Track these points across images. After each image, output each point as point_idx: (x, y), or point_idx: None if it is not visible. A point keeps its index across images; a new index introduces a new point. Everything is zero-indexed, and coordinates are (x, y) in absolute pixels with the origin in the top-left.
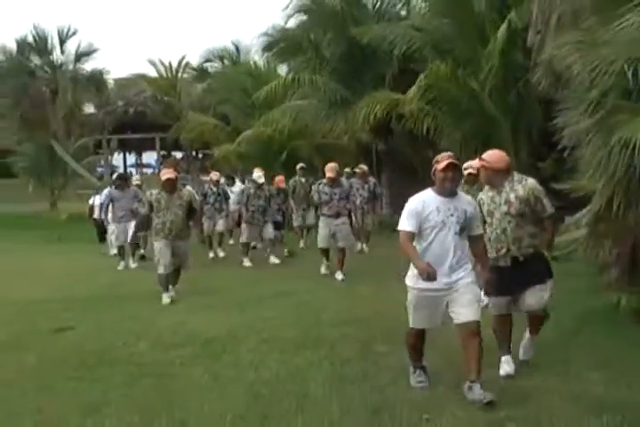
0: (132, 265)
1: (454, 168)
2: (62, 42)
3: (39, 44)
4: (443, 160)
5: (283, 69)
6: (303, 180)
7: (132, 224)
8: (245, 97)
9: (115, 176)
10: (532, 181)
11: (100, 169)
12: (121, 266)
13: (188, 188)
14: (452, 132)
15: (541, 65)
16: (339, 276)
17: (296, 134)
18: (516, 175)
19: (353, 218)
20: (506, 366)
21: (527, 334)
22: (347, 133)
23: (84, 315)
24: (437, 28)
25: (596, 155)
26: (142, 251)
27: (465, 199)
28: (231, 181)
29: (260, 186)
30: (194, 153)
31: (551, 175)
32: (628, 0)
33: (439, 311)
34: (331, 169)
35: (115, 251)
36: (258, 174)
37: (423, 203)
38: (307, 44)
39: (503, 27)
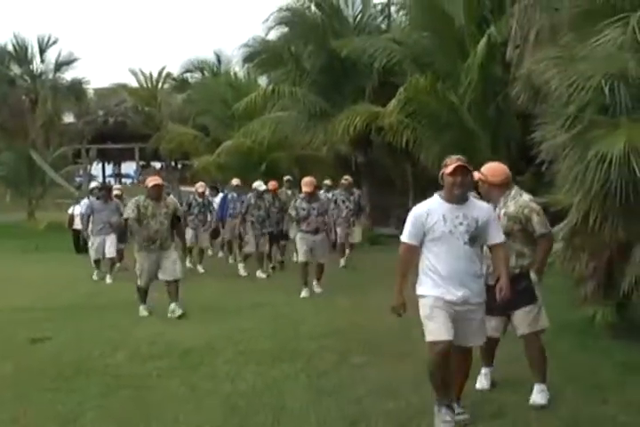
0: (109, 280)
1: (464, 172)
2: (42, 51)
3: (19, 53)
4: (451, 163)
5: (263, 81)
6: (289, 192)
7: (111, 237)
8: (225, 108)
9: (92, 186)
10: (524, 199)
11: (78, 179)
12: (96, 276)
13: (172, 197)
14: (431, 145)
15: (520, 79)
16: (316, 289)
17: (275, 146)
18: (515, 191)
19: (337, 232)
20: (483, 380)
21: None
22: (326, 145)
23: (61, 325)
24: (417, 42)
25: (572, 169)
26: (118, 264)
27: (477, 205)
28: (215, 192)
29: (260, 195)
30: (173, 163)
31: (529, 189)
32: (605, 16)
33: (450, 323)
34: (307, 183)
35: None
36: (258, 182)
37: (428, 211)
38: (287, 56)
39: (483, 41)
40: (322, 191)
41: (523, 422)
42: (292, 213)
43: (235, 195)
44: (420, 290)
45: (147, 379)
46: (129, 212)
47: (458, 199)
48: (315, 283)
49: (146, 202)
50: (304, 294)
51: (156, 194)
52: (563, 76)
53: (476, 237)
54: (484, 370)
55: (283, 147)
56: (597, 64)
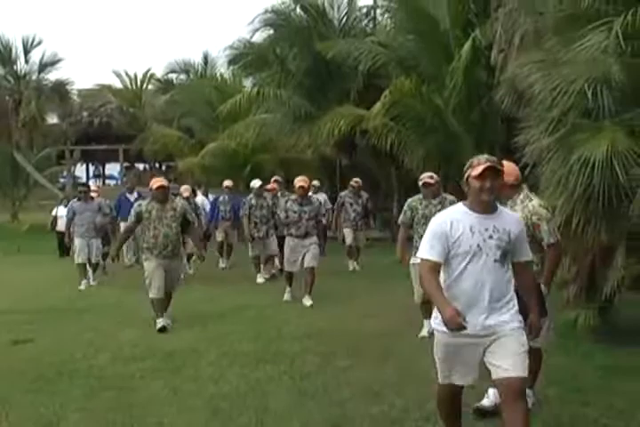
0: (93, 283)
1: (494, 174)
2: (27, 52)
3: (3, 54)
4: (479, 164)
5: (248, 83)
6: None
7: (97, 241)
8: (210, 110)
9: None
10: (533, 204)
11: (62, 180)
12: (83, 285)
13: (180, 199)
14: (416, 148)
15: (504, 83)
16: (307, 301)
17: (260, 148)
18: (523, 194)
19: (345, 235)
20: (492, 398)
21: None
22: (310, 148)
23: (43, 327)
24: (402, 45)
25: (556, 173)
26: (105, 268)
27: (508, 215)
28: (192, 194)
29: (260, 194)
30: (157, 165)
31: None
32: (590, 21)
33: (474, 362)
34: (302, 180)
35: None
36: (255, 181)
37: (451, 222)
38: (272, 59)
39: (467, 44)
40: (310, 193)
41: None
42: (282, 215)
43: (226, 197)
44: (435, 322)
45: (130, 381)
46: (130, 217)
47: (487, 208)
48: (306, 296)
49: (150, 205)
50: (286, 297)
51: (162, 196)
52: (546, 80)
53: (507, 252)
54: (492, 390)
55: (267, 149)
56: (581, 68)
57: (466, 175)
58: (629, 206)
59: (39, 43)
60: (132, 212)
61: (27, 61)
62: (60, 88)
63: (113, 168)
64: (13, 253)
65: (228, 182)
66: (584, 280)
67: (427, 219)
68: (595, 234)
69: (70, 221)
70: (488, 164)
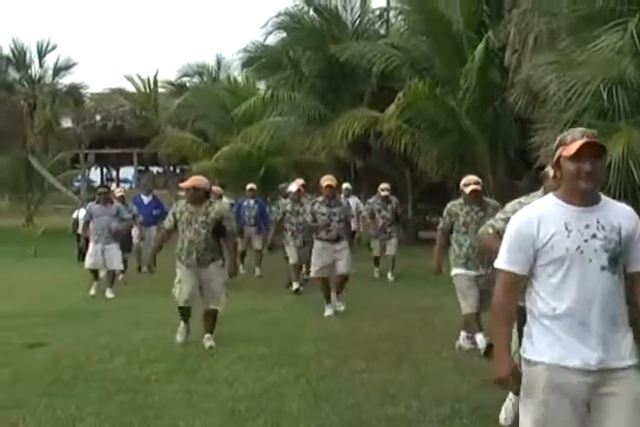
0: (110, 295)
1: (596, 153)
2: (41, 56)
3: (18, 59)
4: (573, 140)
5: (262, 86)
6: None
7: (113, 247)
8: (224, 113)
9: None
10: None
11: (77, 184)
12: (93, 290)
13: (225, 200)
14: (430, 150)
15: (518, 84)
16: (340, 307)
17: (274, 151)
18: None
19: (371, 244)
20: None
21: None
22: (324, 150)
23: (58, 330)
24: (416, 47)
25: None
26: (121, 276)
27: (616, 208)
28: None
29: (297, 199)
30: (171, 168)
31: (528, 194)
32: (604, 21)
33: (578, 416)
34: (329, 179)
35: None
36: (292, 185)
37: (538, 219)
38: (286, 61)
39: (481, 46)
40: (342, 196)
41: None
42: (308, 218)
43: (251, 201)
44: (527, 352)
45: (145, 384)
46: (165, 221)
47: (586, 198)
48: (334, 297)
49: (184, 207)
50: (328, 312)
51: (193, 197)
52: (561, 81)
53: (618, 256)
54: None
55: (281, 152)
56: (596, 69)
57: (556, 156)
58: None
59: (54, 47)
60: (169, 213)
61: (41, 66)
62: (75, 92)
63: (127, 172)
64: (29, 257)
65: (251, 185)
66: None
67: (468, 227)
68: None
69: (87, 223)
70: (585, 139)
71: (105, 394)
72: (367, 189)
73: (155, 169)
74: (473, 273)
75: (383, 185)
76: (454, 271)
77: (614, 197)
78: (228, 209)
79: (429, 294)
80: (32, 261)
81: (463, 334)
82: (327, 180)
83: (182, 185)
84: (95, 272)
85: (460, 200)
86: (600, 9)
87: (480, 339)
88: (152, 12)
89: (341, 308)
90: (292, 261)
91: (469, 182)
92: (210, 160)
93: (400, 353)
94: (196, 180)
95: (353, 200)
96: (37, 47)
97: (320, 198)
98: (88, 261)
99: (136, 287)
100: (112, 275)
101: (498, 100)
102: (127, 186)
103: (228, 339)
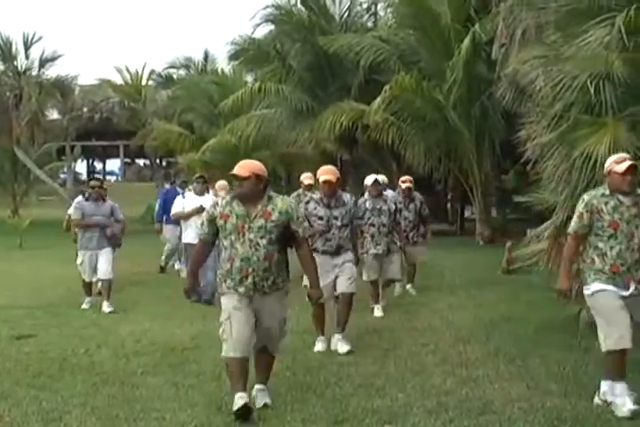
0: (106, 309)
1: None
2: (27, 48)
3: (3, 50)
4: (621, 161)
5: (249, 78)
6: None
7: (106, 252)
8: (211, 105)
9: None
10: None
11: (62, 176)
12: (86, 304)
13: (285, 197)
14: (417, 144)
15: (505, 78)
16: (341, 346)
17: (261, 143)
18: None
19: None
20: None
21: None
22: (311, 143)
23: (45, 322)
24: (404, 40)
25: (558, 168)
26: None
27: None
28: (185, 185)
29: (379, 195)
30: (158, 161)
31: (514, 188)
32: (592, 16)
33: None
34: (327, 171)
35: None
36: (370, 177)
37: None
38: (273, 54)
39: (467, 39)
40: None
41: (508, 419)
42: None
43: None
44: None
45: (132, 376)
46: (200, 228)
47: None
48: (336, 336)
49: (230, 207)
50: (319, 346)
51: (249, 193)
52: (548, 76)
53: None
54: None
55: (268, 145)
56: (583, 63)
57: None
58: None
59: (39, 39)
60: (203, 217)
61: (27, 57)
62: (61, 84)
63: (113, 164)
64: (15, 249)
65: (307, 179)
66: None
67: (616, 229)
68: None
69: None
70: (631, 162)
71: (91, 387)
72: (354, 182)
73: (141, 161)
74: (621, 293)
75: (404, 177)
76: (593, 287)
77: None
78: (296, 205)
79: (416, 287)
80: (18, 253)
81: (605, 386)
82: (325, 172)
83: (236, 172)
84: (89, 285)
85: (603, 190)
86: (588, 3)
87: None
88: (141, 3)
89: (344, 348)
90: (367, 276)
91: (622, 159)
92: (196, 153)
93: (386, 346)
94: (252, 165)
95: (390, 194)
96: (23, 39)
97: (315, 196)
98: (84, 273)
99: (122, 280)
100: (108, 285)
101: (485, 93)
102: (113, 178)
103: (215, 331)
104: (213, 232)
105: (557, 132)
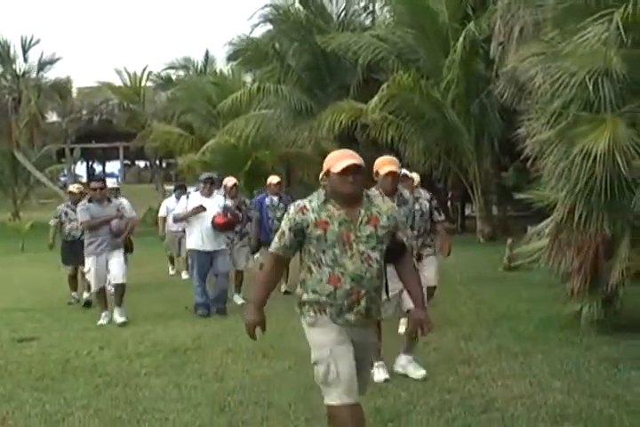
0: (119, 319)
1: None
2: (25, 51)
3: (1, 53)
4: None
5: (248, 78)
6: (275, 198)
7: (117, 254)
8: (210, 106)
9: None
10: None
11: (62, 178)
12: (103, 319)
13: (388, 199)
14: (416, 142)
15: (504, 76)
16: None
17: (260, 144)
18: None
19: None
20: None
21: None
22: (311, 143)
23: (47, 325)
24: (401, 39)
25: (558, 165)
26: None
27: None
28: (183, 191)
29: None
30: (158, 162)
31: (514, 185)
32: (590, 13)
33: None
34: (392, 162)
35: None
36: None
37: None
38: (272, 54)
39: (462, 37)
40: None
41: (511, 416)
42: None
43: (274, 199)
44: None
45: (134, 378)
46: (275, 239)
47: None
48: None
49: (325, 210)
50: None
51: (358, 191)
52: (547, 73)
53: None
54: None
55: (267, 145)
56: (582, 60)
57: None
58: (632, 198)
59: (37, 41)
60: (284, 227)
61: (25, 60)
62: (60, 86)
63: (113, 166)
64: (17, 252)
65: (275, 178)
66: (588, 272)
67: None
68: (597, 226)
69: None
70: None
71: (94, 388)
72: None
73: (141, 163)
74: None
75: (413, 173)
76: None
77: (600, 189)
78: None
79: None
80: (20, 256)
81: None
82: (387, 163)
83: (352, 162)
84: (103, 294)
85: None
86: (585, 0)
87: None
88: (140, 5)
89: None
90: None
91: None
92: (196, 153)
93: (388, 344)
94: (354, 153)
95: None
96: (21, 42)
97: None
98: (93, 281)
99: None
100: (121, 290)
101: (483, 91)
102: (113, 180)
103: (217, 332)
104: (296, 246)
105: (557, 128)
